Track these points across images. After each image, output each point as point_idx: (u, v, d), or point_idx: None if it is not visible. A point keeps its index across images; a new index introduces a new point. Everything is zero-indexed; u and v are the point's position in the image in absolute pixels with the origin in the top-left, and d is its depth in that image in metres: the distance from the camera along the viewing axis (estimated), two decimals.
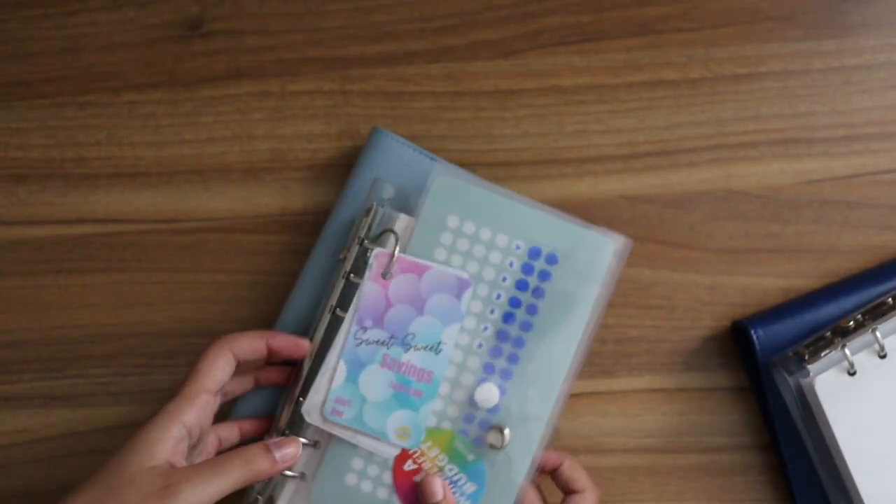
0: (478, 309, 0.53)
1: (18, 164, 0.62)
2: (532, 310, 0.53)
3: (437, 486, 0.52)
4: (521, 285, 0.53)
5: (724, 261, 0.60)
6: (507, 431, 0.52)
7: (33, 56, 0.62)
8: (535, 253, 0.53)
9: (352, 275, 0.54)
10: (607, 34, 0.61)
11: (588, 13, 0.61)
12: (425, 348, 0.52)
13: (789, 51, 0.61)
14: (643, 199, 0.60)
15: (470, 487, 0.53)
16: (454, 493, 0.53)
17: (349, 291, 0.54)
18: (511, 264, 0.53)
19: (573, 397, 0.60)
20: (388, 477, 0.53)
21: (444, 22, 0.62)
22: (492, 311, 0.53)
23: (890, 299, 0.56)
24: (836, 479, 0.55)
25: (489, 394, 0.52)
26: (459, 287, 0.53)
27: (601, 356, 0.60)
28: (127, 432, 0.49)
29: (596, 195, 0.61)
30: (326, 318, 0.54)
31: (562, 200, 0.60)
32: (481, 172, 0.59)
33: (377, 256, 0.54)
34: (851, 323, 0.56)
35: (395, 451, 0.53)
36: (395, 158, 0.58)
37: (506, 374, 0.53)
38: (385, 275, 0.53)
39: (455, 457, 0.52)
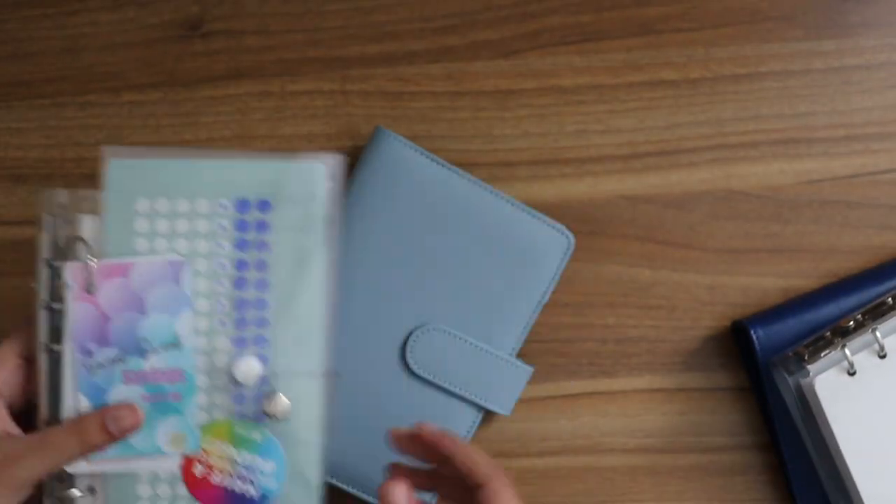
0: (204, 287, 0.49)
1: (18, 164, 0.62)
2: (261, 266, 0.49)
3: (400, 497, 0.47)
4: (241, 244, 0.49)
5: (724, 261, 0.60)
6: (281, 397, 0.48)
7: (33, 56, 0.62)
8: (243, 206, 0.49)
9: (52, 303, 0.48)
10: (607, 34, 0.61)
11: (588, 13, 0.61)
12: (164, 348, 0.48)
13: (789, 51, 0.61)
14: (643, 199, 0.60)
15: (269, 466, 0.49)
16: (255, 478, 0.49)
17: (57, 321, 0.48)
18: (223, 227, 0.48)
19: (573, 397, 0.60)
20: (182, 490, 0.49)
21: (444, 22, 0.62)
22: (221, 284, 0.48)
23: (890, 299, 0.56)
24: (836, 479, 0.55)
25: (249, 367, 0.48)
26: (174, 271, 0.48)
27: (601, 356, 0.60)
28: None
29: (596, 195, 0.61)
30: (44, 359, 0.48)
31: (562, 200, 0.60)
32: (481, 172, 0.59)
33: (72, 272, 0.47)
34: (851, 323, 0.56)
35: (177, 462, 0.49)
36: (397, 159, 0.58)
37: (260, 342, 0.49)
38: (89, 289, 0.48)
39: (241, 443, 0.49)
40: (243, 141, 0.61)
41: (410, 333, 0.57)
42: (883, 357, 0.55)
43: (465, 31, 0.61)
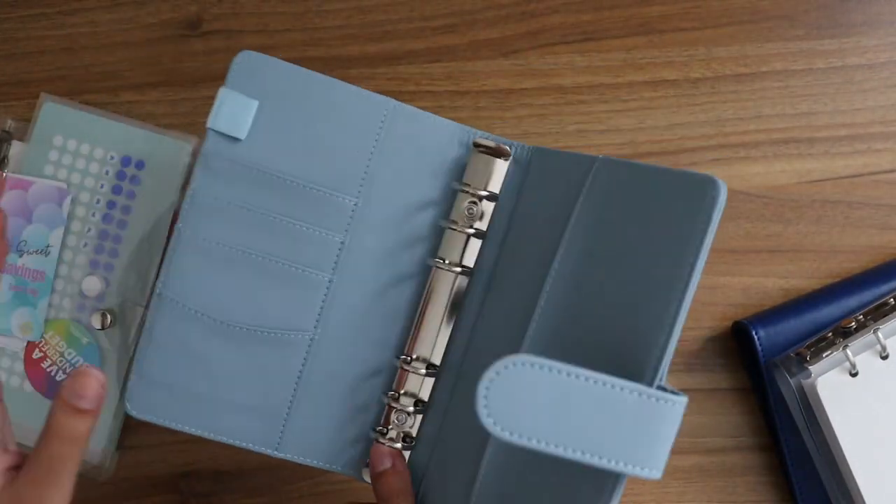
0: (81, 213, 0.60)
1: None
2: (126, 210, 0.60)
3: (385, 457, 0.51)
4: (116, 190, 0.60)
5: (724, 261, 0.60)
6: (106, 314, 0.59)
7: (32, 55, 0.62)
8: (126, 161, 0.60)
9: None
10: (608, 33, 0.61)
11: (589, 12, 0.61)
12: (37, 252, 0.59)
13: (791, 50, 0.61)
14: None
15: None
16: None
17: None
18: (107, 173, 0.60)
19: None
20: (19, 367, 0.59)
21: (444, 21, 0.61)
22: (93, 215, 0.60)
23: (892, 300, 0.56)
24: (838, 480, 0.55)
25: (93, 284, 0.59)
26: (60, 196, 0.60)
27: None
28: None
29: None
30: None
31: None
32: None
33: None
34: (853, 323, 0.56)
35: (22, 345, 0.59)
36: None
37: (108, 268, 0.59)
38: None
39: (72, 342, 0.59)
40: None
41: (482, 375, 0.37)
42: (885, 358, 0.55)
43: (465, 30, 0.61)
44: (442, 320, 0.52)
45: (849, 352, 0.55)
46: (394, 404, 0.51)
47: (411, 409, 0.51)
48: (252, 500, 0.59)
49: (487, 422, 0.36)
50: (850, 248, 0.60)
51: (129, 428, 0.59)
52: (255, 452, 0.51)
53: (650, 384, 0.39)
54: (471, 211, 0.51)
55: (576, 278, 0.45)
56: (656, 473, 0.38)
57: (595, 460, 0.37)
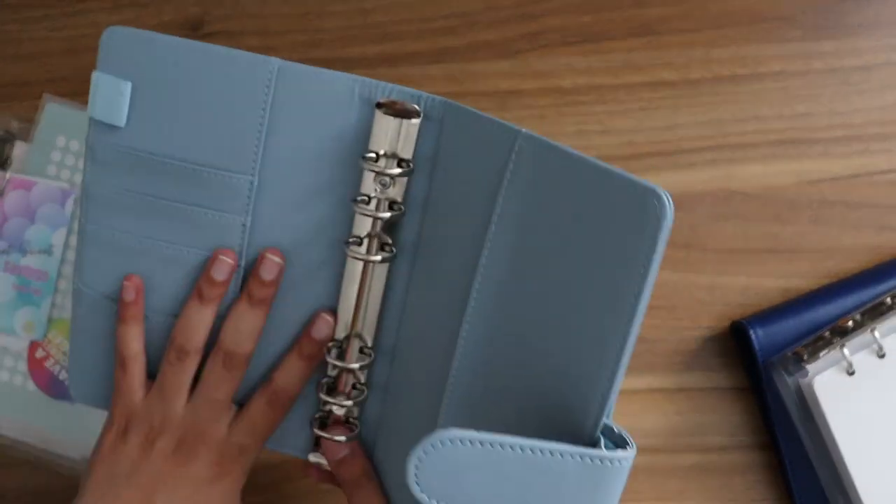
0: None
1: None
2: None
3: (341, 447, 0.50)
4: None
5: (723, 261, 0.60)
6: None
7: (34, 57, 0.62)
8: None
9: None
10: (607, 35, 0.61)
11: (588, 14, 0.61)
12: (40, 252, 0.60)
13: (789, 51, 0.61)
14: None
15: None
16: None
17: None
18: None
19: None
20: (22, 366, 0.60)
21: (444, 22, 0.62)
22: None
23: (889, 299, 0.57)
24: (835, 479, 0.56)
25: None
26: (62, 196, 0.60)
27: None
28: None
29: None
30: None
31: None
32: None
33: None
34: (850, 323, 0.56)
35: (26, 344, 0.60)
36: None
37: None
38: (1, 193, 0.60)
39: None
40: None
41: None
42: (882, 357, 0.55)
43: (465, 31, 0.61)
44: (367, 301, 0.47)
45: (846, 351, 0.55)
46: (326, 397, 0.49)
47: (349, 396, 0.49)
48: (252, 499, 0.59)
49: (422, 497, 0.34)
50: (847, 248, 0.60)
51: None
52: None
53: (592, 435, 0.36)
54: (383, 181, 0.46)
55: (504, 290, 0.40)
56: None
57: None
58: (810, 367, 0.55)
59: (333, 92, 0.45)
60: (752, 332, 0.57)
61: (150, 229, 0.47)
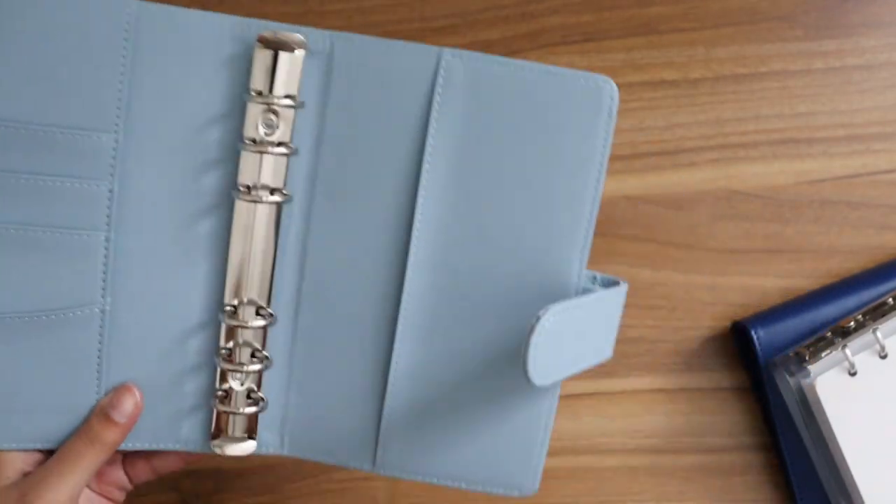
0: None
1: None
2: None
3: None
4: None
5: (724, 261, 0.60)
6: None
7: None
8: None
9: None
10: (608, 34, 0.61)
11: (588, 13, 0.61)
12: None
13: (790, 51, 0.61)
14: (643, 199, 0.60)
15: None
16: None
17: None
18: None
19: (574, 397, 0.60)
20: None
21: (444, 22, 0.61)
22: None
23: (891, 299, 0.56)
24: (837, 480, 0.56)
25: None
26: None
27: None
28: None
29: None
30: None
31: None
32: None
33: None
34: (852, 323, 0.56)
35: None
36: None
37: None
38: None
39: None
40: None
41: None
42: (884, 357, 0.55)
43: (465, 31, 0.61)
44: (259, 255, 0.44)
45: (848, 351, 0.55)
46: (225, 364, 0.45)
47: (249, 361, 0.45)
48: (253, 500, 0.59)
49: (544, 383, 0.41)
50: (848, 247, 0.60)
51: None
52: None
53: (578, 287, 0.45)
54: (268, 122, 0.43)
55: (453, 206, 0.43)
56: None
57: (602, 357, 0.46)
58: (812, 368, 0.55)
59: (205, 33, 0.42)
60: (753, 332, 0.57)
61: None
